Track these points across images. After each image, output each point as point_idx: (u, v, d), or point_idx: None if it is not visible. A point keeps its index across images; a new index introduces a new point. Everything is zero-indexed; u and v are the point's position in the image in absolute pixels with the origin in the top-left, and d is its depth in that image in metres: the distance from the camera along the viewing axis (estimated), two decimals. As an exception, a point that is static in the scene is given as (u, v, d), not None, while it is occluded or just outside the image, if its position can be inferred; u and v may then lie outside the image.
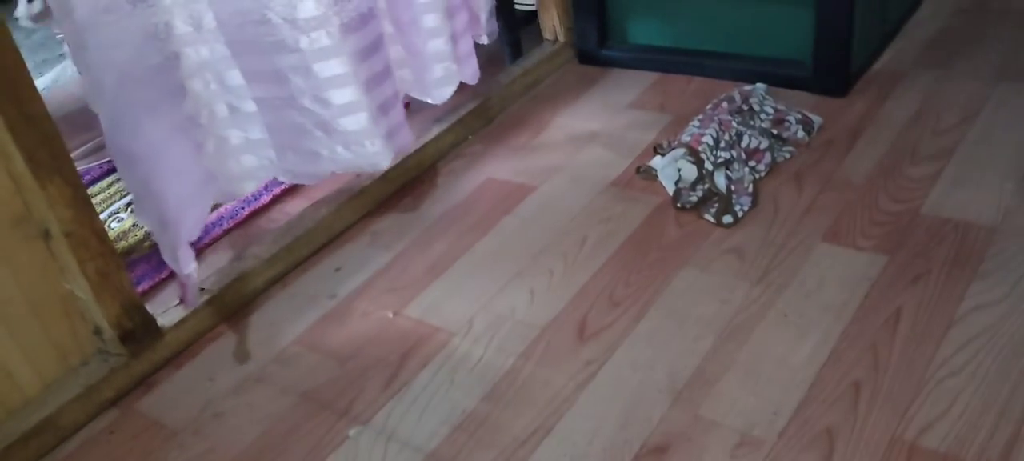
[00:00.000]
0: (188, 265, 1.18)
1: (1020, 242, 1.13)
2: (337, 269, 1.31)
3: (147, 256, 1.38)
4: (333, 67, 1.18)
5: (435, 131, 1.54)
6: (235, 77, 1.20)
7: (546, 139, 1.55)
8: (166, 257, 1.17)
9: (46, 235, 1.04)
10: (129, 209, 1.52)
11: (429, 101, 1.48)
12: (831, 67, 1.50)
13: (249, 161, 1.29)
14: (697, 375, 1.02)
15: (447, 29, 1.40)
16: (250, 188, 1.32)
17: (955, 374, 0.96)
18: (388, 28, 1.36)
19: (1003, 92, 1.45)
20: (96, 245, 1.06)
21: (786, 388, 0.98)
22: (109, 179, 1.63)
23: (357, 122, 1.24)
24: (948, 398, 0.94)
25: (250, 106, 1.23)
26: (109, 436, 1.08)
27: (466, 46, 1.48)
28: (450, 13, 1.40)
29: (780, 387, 0.98)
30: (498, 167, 1.49)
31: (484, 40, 1.60)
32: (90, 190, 1.59)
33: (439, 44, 1.40)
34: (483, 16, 1.56)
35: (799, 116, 1.42)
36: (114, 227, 1.47)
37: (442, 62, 1.42)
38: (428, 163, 1.52)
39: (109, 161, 1.69)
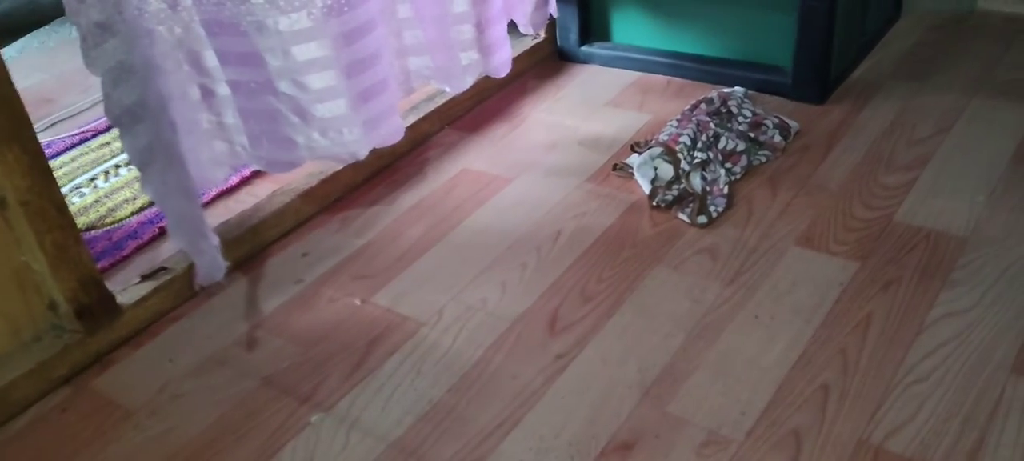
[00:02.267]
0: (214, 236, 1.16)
1: (990, 252, 1.14)
2: (304, 254, 1.29)
3: (108, 233, 1.35)
4: (312, 50, 1.16)
5: (411, 119, 1.52)
6: (210, 58, 1.16)
7: (523, 132, 1.54)
8: (180, 231, 1.12)
9: (2, 204, 1.00)
10: (93, 184, 1.48)
11: (447, 89, 1.45)
12: (810, 74, 1.50)
13: (220, 147, 1.25)
14: (666, 372, 1.01)
15: (473, 16, 1.37)
16: (221, 176, 1.29)
17: (922, 380, 0.96)
18: (405, 12, 1.33)
19: (977, 106, 1.46)
20: (54, 217, 1.02)
21: (755, 388, 0.98)
22: (72, 153, 1.59)
23: (335, 108, 1.21)
24: (915, 403, 0.94)
25: (224, 89, 1.19)
26: (61, 414, 1.04)
27: (495, 35, 1.44)
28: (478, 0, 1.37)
29: (749, 387, 0.98)
30: (474, 158, 1.48)
31: (530, 32, 1.57)
32: (53, 163, 1.54)
33: (464, 31, 1.38)
34: (528, 6, 1.52)
35: (776, 121, 1.42)
36: (75, 202, 1.43)
37: (465, 51, 1.40)
38: (403, 151, 1.50)
39: (74, 134, 1.65)
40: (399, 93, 1.39)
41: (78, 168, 1.54)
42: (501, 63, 1.47)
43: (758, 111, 1.45)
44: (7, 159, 0.96)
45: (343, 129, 1.23)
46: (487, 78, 1.62)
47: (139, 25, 1.05)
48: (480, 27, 1.40)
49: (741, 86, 1.55)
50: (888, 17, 1.76)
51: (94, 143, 1.62)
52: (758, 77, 1.56)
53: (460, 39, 1.39)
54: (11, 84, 0.95)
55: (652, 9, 1.66)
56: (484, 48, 1.43)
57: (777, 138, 1.40)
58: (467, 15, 1.37)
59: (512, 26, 1.55)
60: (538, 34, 1.76)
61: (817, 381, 0.98)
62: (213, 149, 1.25)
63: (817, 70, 1.50)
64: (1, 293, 1.04)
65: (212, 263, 1.17)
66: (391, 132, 1.31)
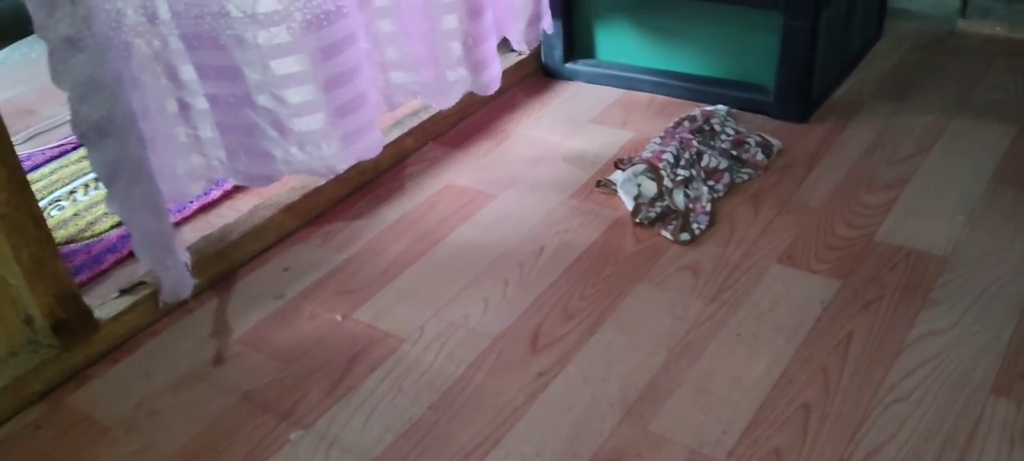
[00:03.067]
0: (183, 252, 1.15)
1: (970, 272, 1.14)
2: (286, 269, 1.28)
3: (87, 246, 1.33)
4: (290, 65, 1.15)
5: (395, 134, 1.51)
6: (188, 71, 1.16)
7: (507, 149, 1.54)
8: (145, 248, 1.11)
9: (-22, 217, 0.99)
10: (72, 197, 1.47)
11: (434, 106, 1.45)
12: (793, 93, 1.52)
13: (197, 161, 1.24)
14: (648, 390, 1.01)
15: (462, 33, 1.37)
16: (197, 190, 1.27)
17: (902, 399, 0.96)
18: (387, 27, 1.32)
19: (958, 126, 1.48)
20: (32, 230, 1.01)
21: (737, 407, 0.97)
22: (52, 166, 1.57)
23: (313, 122, 1.20)
24: (895, 423, 0.94)
25: (202, 103, 1.18)
26: (35, 431, 1.03)
27: (485, 52, 1.44)
28: (470, 15, 1.37)
29: (731, 406, 0.98)
30: (457, 174, 1.47)
31: (523, 48, 1.58)
32: (32, 175, 1.53)
33: (453, 48, 1.38)
34: (521, 23, 1.53)
35: (759, 139, 1.43)
36: (54, 215, 1.41)
37: (453, 67, 1.40)
38: (386, 166, 1.49)
39: (53, 147, 1.64)
40: (381, 108, 1.39)
41: (57, 181, 1.52)
42: (490, 80, 1.47)
43: (741, 129, 1.45)
44: (-17, 172, 0.95)
45: (321, 143, 1.23)
46: (471, 94, 1.62)
47: (113, 38, 1.04)
48: (469, 44, 1.40)
49: (724, 104, 1.55)
50: (870, 37, 1.77)
51: (74, 156, 1.60)
52: (741, 95, 1.57)
53: (448, 55, 1.39)
54: (-12, 96, 0.94)
55: (636, 27, 1.67)
56: (473, 65, 1.43)
57: (759, 156, 1.40)
58: (456, 32, 1.37)
59: (503, 43, 1.55)
60: (522, 51, 1.76)
61: (798, 400, 0.98)
62: (189, 163, 1.24)
63: (799, 89, 1.51)
64: (-25, 307, 1.02)
65: (179, 280, 1.16)
66: (369, 146, 1.30)
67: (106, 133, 1.01)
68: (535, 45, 1.60)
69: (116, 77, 1.02)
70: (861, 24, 1.70)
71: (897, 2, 1.86)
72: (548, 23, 1.63)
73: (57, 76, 0.96)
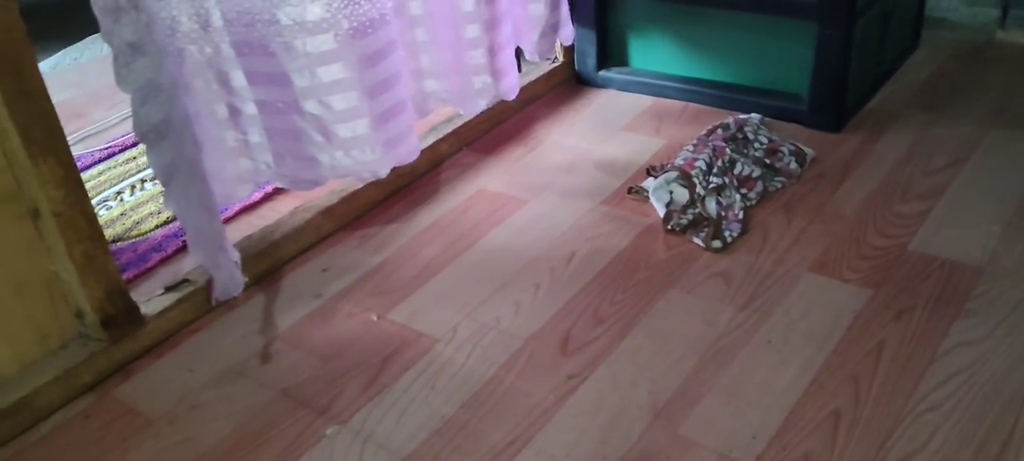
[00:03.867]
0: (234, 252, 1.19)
1: (1005, 283, 1.14)
2: (324, 270, 1.31)
3: (133, 245, 1.38)
4: (336, 71, 1.19)
5: (430, 140, 1.54)
6: (238, 78, 1.19)
7: (540, 155, 1.56)
8: (199, 246, 1.15)
9: (35, 214, 1.03)
10: (119, 198, 1.52)
11: (461, 112, 1.48)
12: (827, 103, 1.52)
13: (245, 164, 1.28)
14: (678, 395, 1.02)
15: (485, 41, 1.40)
16: (244, 192, 1.31)
17: (934, 409, 0.97)
18: (422, 36, 1.36)
19: (994, 137, 1.47)
20: (85, 228, 1.05)
21: (766, 413, 0.98)
22: (100, 167, 1.63)
23: (358, 128, 1.24)
24: (926, 432, 0.94)
25: (251, 108, 1.22)
26: (84, 420, 1.07)
27: (504, 60, 1.47)
28: (490, 25, 1.40)
29: (760, 411, 0.98)
30: (490, 179, 1.50)
31: (536, 59, 1.61)
32: (81, 176, 1.58)
33: (476, 56, 1.41)
34: (534, 34, 1.56)
35: (792, 148, 1.43)
36: (102, 214, 1.46)
37: (478, 75, 1.43)
38: (422, 171, 1.52)
39: (102, 149, 1.69)
40: (415, 114, 1.42)
41: (105, 182, 1.58)
42: (509, 87, 1.50)
43: (774, 137, 1.46)
44: (42, 171, 0.99)
45: (365, 148, 1.26)
46: (505, 101, 1.64)
47: (169, 45, 1.08)
48: (492, 52, 1.43)
49: (757, 112, 1.56)
50: (906, 47, 1.77)
51: (121, 158, 1.65)
52: (774, 104, 1.57)
53: (473, 63, 1.42)
54: (48, 99, 0.98)
55: (670, 35, 1.68)
56: (495, 72, 1.46)
57: (793, 165, 1.41)
58: (480, 40, 1.40)
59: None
60: (556, 58, 1.78)
61: (828, 407, 0.98)
62: (238, 166, 1.28)
63: (834, 98, 1.51)
64: (31, 301, 1.06)
65: (230, 278, 1.19)
66: (409, 151, 1.33)
67: (164, 135, 1.05)
68: (547, 57, 1.62)
69: (173, 81, 1.06)
70: (897, 33, 1.70)
71: (935, 11, 1.85)
72: (568, 34, 1.65)
73: (121, 79, 0.99)
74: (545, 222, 1.36)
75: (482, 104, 1.47)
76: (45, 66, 2.18)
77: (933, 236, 1.24)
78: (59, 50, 2.25)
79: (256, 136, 1.25)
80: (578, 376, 1.06)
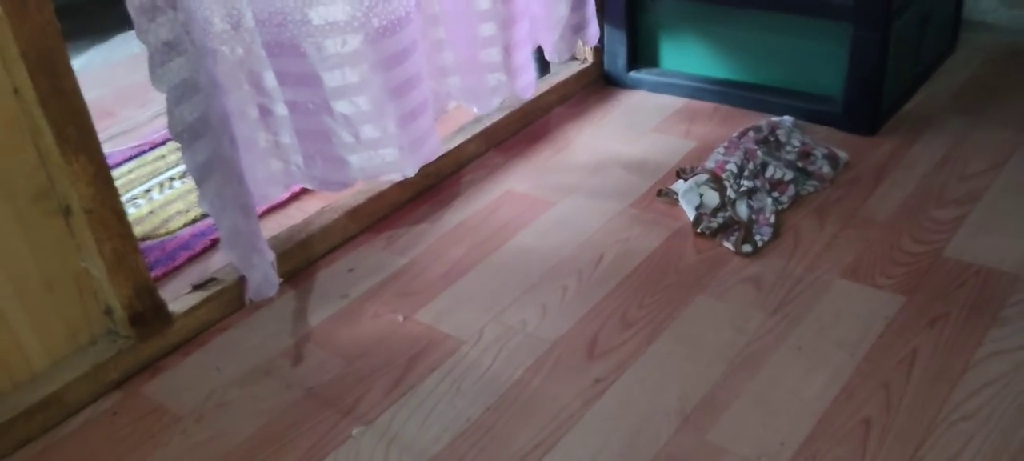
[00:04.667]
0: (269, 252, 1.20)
1: (1043, 292, 1.11)
2: (351, 270, 1.31)
3: (161, 243, 1.39)
4: (362, 72, 1.19)
5: (458, 141, 1.54)
6: (269, 78, 1.20)
7: (568, 156, 1.55)
8: (232, 246, 1.15)
9: (66, 211, 1.04)
10: (148, 196, 1.53)
11: (475, 110, 1.48)
12: (861, 106, 1.49)
13: (276, 165, 1.29)
14: (706, 401, 1.01)
15: (501, 39, 1.40)
16: (276, 194, 1.32)
17: (968, 418, 0.94)
18: (441, 34, 1.36)
19: (1033, 142, 1.43)
20: (115, 225, 1.06)
21: (795, 420, 0.97)
22: (130, 165, 1.64)
23: (385, 128, 1.24)
24: (960, 442, 0.92)
25: (281, 109, 1.23)
26: (112, 417, 1.08)
27: (520, 59, 1.47)
28: (507, 23, 1.40)
29: (789, 418, 0.97)
30: (518, 180, 1.49)
31: (555, 59, 1.60)
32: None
33: (491, 54, 1.41)
34: (554, 35, 1.55)
35: (825, 151, 1.41)
36: (131, 212, 1.48)
37: (493, 73, 1.43)
38: (448, 172, 1.52)
39: (131, 147, 1.71)
40: (434, 112, 1.42)
41: (135, 180, 1.59)
42: (525, 86, 1.50)
43: (807, 141, 1.44)
44: (74, 168, 1.00)
45: (392, 148, 1.26)
46: (533, 102, 1.64)
47: (205, 45, 1.09)
48: (507, 50, 1.43)
49: (790, 115, 1.54)
50: (943, 49, 1.73)
51: (150, 156, 1.67)
52: (808, 106, 1.55)
53: (488, 61, 1.42)
54: (81, 97, 0.99)
55: (701, 36, 1.67)
56: (510, 71, 1.45)
57: (826, 169, 1.39)
58: (495, 38, 1.40)
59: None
60: (585, 59, 1.77)
61: (859, 415, 0.96)
62: (269, 167, 1.28)
63: (868, 101, 1.48)
64: (61, 298, 1.08)
65: (264, 279, 1.20)
66: (432, 150, 1.34)
67: (199, 134, 1.05)
68: (567, 57, 1.61)
69: (211, 80, 1.07)
70: (934, 35, 1.67)
71: (973, 13, 1.82)
72: (593, 34, 1.64)
73: (156, 78, 1.00)
74: (573, 224, 1.36)
75: (496, 102, 1.47)
76: (76, 64, 2.19)
77: (969, 242, 1.22)
78: (90, 48, 2.28)
79: (287, 137, 1.25)
80: (605, 380, 1.05)
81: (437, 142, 1.35)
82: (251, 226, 1.15)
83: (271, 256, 1.21)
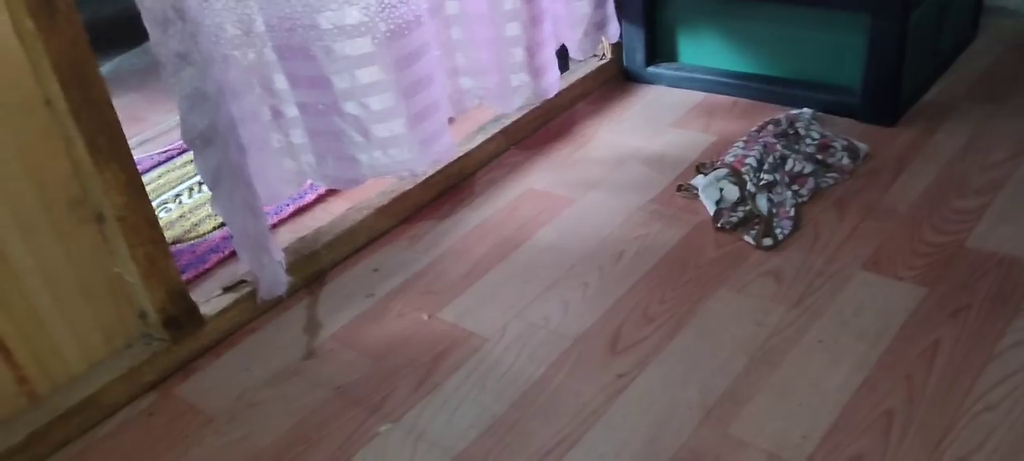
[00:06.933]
0: (277, 252, 1.22)
1: (1066, 281, 1.11)
2: (375, 270, 1.33)
3: (192, 247, 1.42)
4: (374, 73, 1.21)
5: (478, 139, 1.56)
6: (280, 81, 1.22)
7: (588, 153, 1.56)
8: (244, 247, 1.18)
9: (100, 218, 1.07)
10: (178, 200, 1.57)
11: (498, 109, 1.50)
12: (880, 96, 1.49)
13: (289, 165, 1.31)
14: (728, 394, 1.02)
15: (524, 40, 1.42)
16: (289, 192, 1.35)
17: (991, 409, 0.95)
18: (456, 34, 1.38)
19: (1056, 129, 1.43)
20: (147, 231, 1.09)
21: (817, 413, 0.97)
22: (159, 170, 1.68)
23: (395, 128, 1.26)
24: (983, 433, 0.92)
25: (293, 110, 1.25)
26: (148, 418, 1.11)
27: (544, 58, 1.48)
28: (531, 23, 1.41)
29: (811, 411, 0.98)
30: (538, 178, 1.51)
31: (579, 57, 1.62)
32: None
33: (515, 53, 1.42)
34: (578, 32, 1.57)
35: (845, 143, 1.41)
36: (162, 217, 1.51)
37: (516, 73, 1.44)
38: (469, 171, 1.54)
39: (160, 152, 1.74)
40: (450, 112, 1.44)
41: (165, 185, 1.62)
42: (549, 85, 1.51)
43: (826, 133, 1.44)
44: (106, 177, 1.03)
45: (402, 147, 1.28)
46: (553, 99, 1.65)
47: (214, 52, 1.11)
48: (530, 50, 1.44)
49: (809, 107, 1.54)
50: (964, 36, 1.72)
51: (179, 161, 1.70)
52: (826, 98, 1.55)
53: (511, 61, 1.43)
54: (111, 107, 1.02)
55: (719, 30, 1.67)
56: (534, 71, 1.47)
57: (845, 161, 1.39)
58: (519, 39, 1.42)
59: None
60: (604, 55, 1.78)
61: (881, 407, 0.97)
62: (281, 167, 1.31)
63: (887, 91, 1.48)
64: (97, 303, 1.11)
65: (274, 279, 1.22)
66: (444, 149, 1.36)
67: (210, 141, 1.08)
68: (590, 54, 1.62)
69: (219, 88, 1.09)
70: (954, 23, 1.66)
71: (994, 0, 1.80)
72: (614, 31, 1.65)
73: (171, 88, 1.03)
74: (594, 220, 1.37)
75: (519, 102, 1.49)
76: (105, 70, 2.24)
77: (991, 232, 1.21)
78: (118, 56, 2.32)
79: (298, 137, 1.28)
80: (627, 375, 1.07)
81: (450, 141, 1.37)
82: (260, 227, 1.18)
83: (279, 256, 1.24)
